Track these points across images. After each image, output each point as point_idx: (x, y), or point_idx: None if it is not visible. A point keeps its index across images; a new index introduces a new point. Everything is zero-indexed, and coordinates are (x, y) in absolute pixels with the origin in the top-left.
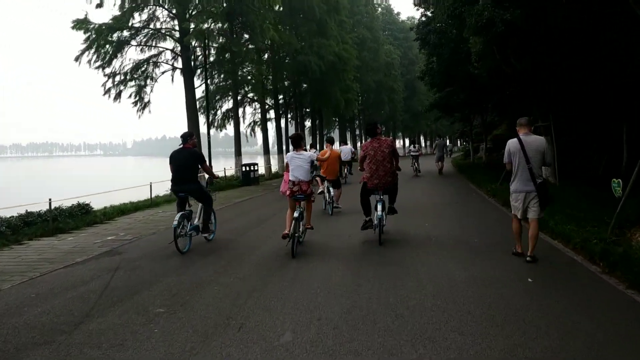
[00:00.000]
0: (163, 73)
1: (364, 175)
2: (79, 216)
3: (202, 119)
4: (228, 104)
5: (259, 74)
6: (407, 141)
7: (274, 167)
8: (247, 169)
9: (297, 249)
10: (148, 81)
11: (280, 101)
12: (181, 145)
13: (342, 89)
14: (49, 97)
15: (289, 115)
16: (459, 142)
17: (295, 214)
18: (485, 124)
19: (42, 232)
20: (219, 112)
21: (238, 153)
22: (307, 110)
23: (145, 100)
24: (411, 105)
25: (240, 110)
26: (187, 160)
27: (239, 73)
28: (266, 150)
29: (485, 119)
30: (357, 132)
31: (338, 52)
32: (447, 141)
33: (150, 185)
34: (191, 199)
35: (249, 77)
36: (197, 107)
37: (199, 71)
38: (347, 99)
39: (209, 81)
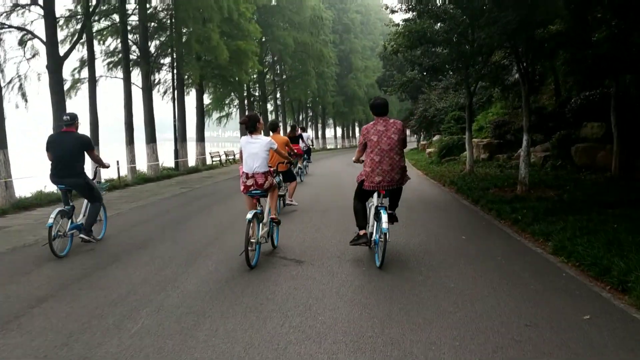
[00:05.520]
0: None
1: (362, 171)
2: None
3: None
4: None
5: None
6: (339, 131)
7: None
8: None
9: (258, 257)
10: None
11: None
12: (63, 129)
13: (224, 29)
14: None
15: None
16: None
17: (249, 215)
18: (528, 93)
19: None
20: None
21: None
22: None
23: None
24: (346, 85)
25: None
26: (72, 147)
27: None
28: None
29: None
30: (273, 115)
31: None
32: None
33: None
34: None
35: None
36: None
37: None
38: (238, 47)
39: None
